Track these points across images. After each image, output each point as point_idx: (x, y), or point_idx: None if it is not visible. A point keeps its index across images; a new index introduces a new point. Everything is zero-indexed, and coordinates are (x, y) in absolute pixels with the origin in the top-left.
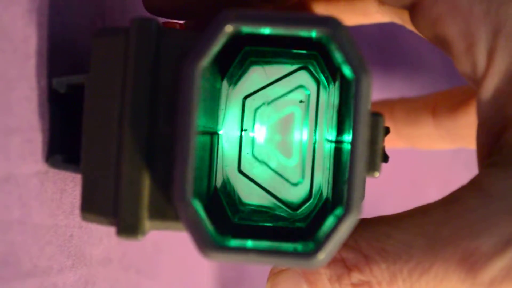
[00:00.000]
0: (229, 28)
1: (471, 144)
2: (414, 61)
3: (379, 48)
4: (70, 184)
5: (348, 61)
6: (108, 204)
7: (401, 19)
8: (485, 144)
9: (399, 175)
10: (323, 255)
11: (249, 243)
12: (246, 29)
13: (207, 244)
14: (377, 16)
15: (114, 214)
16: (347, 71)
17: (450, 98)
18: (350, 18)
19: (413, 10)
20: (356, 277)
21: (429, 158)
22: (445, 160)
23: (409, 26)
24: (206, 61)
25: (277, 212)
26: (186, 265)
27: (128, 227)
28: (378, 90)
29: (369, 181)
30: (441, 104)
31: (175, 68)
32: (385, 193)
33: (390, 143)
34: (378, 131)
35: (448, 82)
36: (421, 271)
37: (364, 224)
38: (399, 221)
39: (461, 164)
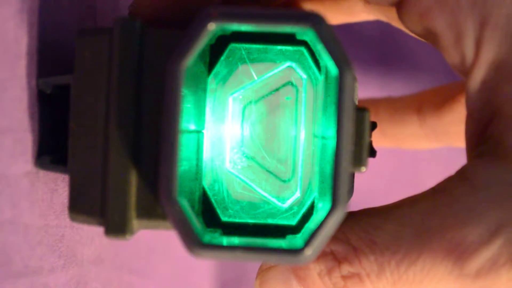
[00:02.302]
0: (211, 26)
1: (457, 142)
2: (414, 61)
3: (379, 48)
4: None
5: (331, 56)
6: (95, 204)
7: (387, 16)
8: (473, 135)
9: (399, 175)
10: (310, 251)
11: (237, 240)
12: (229, 26)
13: (194, 242)
14: (362, 15)
15: (102, 214)
16: (330, 66)
17: (435, 96)
18: (336, 17)
19: (400, 6)
20: (346, 269)
21: (430, 158)
22: (447, 159)
23: (395, 23)
24: (189, 60)
25: (266, 209)
26: (184, 265)
27: (116, 227)
28: (378, 90)
29: (369, 181)
30: (426, 102)
31: (160, 67)
32: (384, 193)
33: (375, 143)
34: (363, 125)
35: (448, 82)
36: (408, 262)
37: (353, 217)
38: (387, 213)
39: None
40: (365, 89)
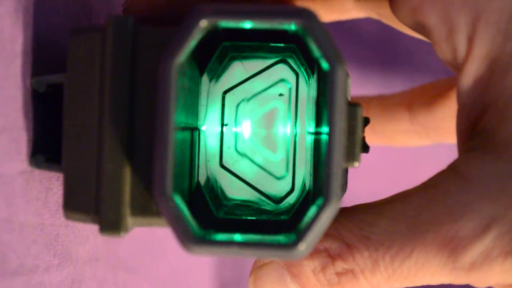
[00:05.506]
0: (203, 23)
1: (447, 139)
2: (414, 61)
3: (379, 47)
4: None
5: (323, 52)
6: (90, 202)
7: (378, 14)
8: (464, 129)
9: (399, 173)
10: (304, 246)
11: (231, 236)
12: (221, 23)
13: (188, 238)
14: (353, 12)
15: (96, 212)
16: (323, 62)
17: (426, 93)
18: (326, 15)
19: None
20: (339, 266)
21: (430, 157)
22: (448, 159)
23: (386, 20)
24: (182, 57)
25: (261, 206)
26: (182, 265)
27: (111, 224)
28: (378, 90)
29: (369, 180)
30: (417, 99)
31: (153, 64)
32: (384, 192)
33: (366, 140)
34: (356, 121)
35: None
36: (402, 257)
37: (346, 213)
38: (380, 208)
39: None
40: (365, 88)
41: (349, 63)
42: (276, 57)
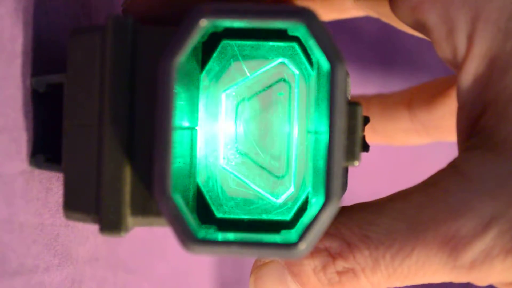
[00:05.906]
0: (203, 23)
1: (447, 137)
2: (414, 60)
3: (378, 47)
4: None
5: (323, 51)
6: (90, 201)
7: (377, 12)
8: (464, 128)
9: (399, 172)
10: (304, 245)
11: (232, 236)
12: (221, 23)
13: (188, 238)
14: (352, 11)
15: (96, 212)
16: (322, 61)
17: (426, 91)
18: (326, 14)
19: None
20: (340, 265)
21: (431, 155)
22: (448, 157)
23: (385, 19)
24: (181, 56)
25: (261, 205)
26: (182, 265)
27: (111, 224)
28: (378, 89)
29: (369, 179)
30: (416, 97)
31: (153, 64)
32: (384, 191)
33: (366, 139)
34: (356, 120)
35: None
36: (402, 256)
37: (346, 212)
38: (380, 207)
39: None
40: (365, 87)
41: (349, 63)
42: (276, 56)
